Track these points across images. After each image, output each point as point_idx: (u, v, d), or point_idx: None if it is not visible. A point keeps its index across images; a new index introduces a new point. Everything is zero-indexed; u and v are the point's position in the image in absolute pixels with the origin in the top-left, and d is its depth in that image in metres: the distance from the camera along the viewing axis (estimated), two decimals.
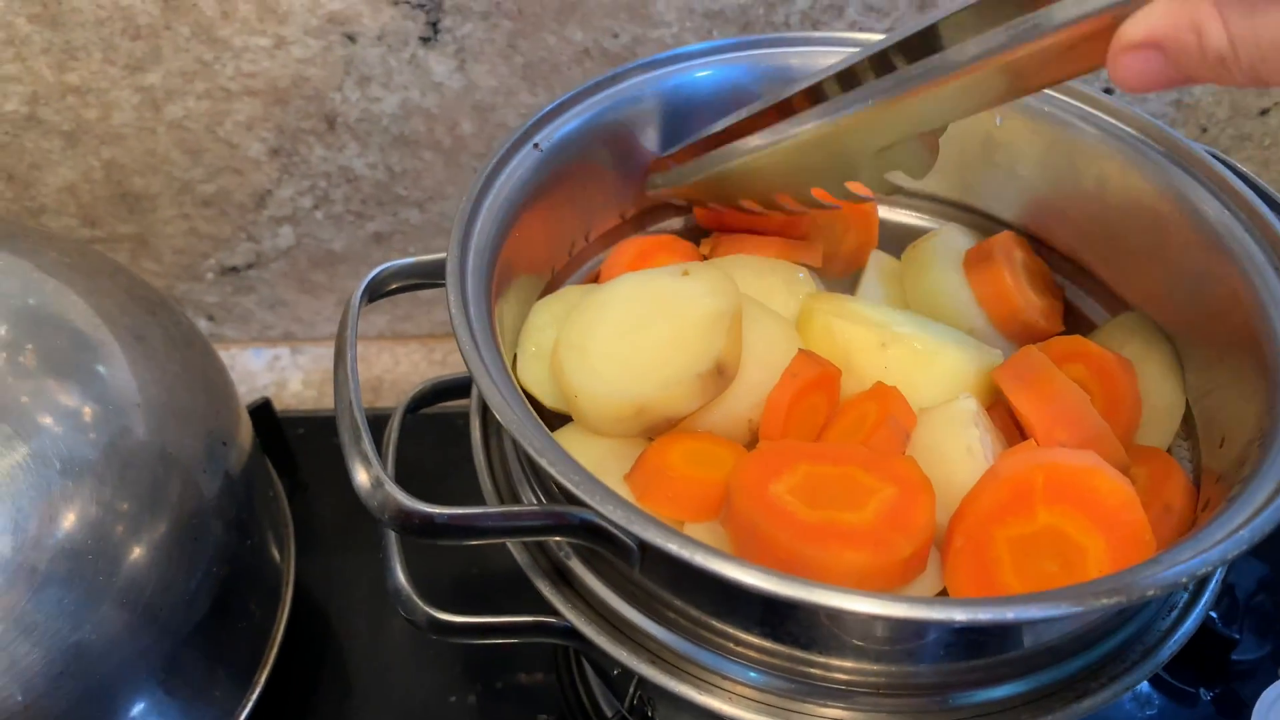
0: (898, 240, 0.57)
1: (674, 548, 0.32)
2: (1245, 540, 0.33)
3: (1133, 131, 0.50)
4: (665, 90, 0.52)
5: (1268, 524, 0.33)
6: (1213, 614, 0.63)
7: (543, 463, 0.34)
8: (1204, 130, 0.76)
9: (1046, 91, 0.52)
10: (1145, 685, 0.63)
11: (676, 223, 0.58)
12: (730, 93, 0.53)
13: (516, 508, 0.36)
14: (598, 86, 0.51)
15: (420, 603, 0.43)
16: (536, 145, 0.48)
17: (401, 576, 0.44)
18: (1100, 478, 0.38)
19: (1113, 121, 0.51)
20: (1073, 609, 0.31)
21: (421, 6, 0.66)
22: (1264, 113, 0.75)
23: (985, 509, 0.39)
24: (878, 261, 0.56)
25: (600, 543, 0.35)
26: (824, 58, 0.53)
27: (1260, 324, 0.43)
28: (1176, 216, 0.48)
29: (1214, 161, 0.48)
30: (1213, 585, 0.42)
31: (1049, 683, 0.39)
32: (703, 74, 0.53)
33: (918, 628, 0.35)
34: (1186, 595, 0.42)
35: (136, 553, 0.46)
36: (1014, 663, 0.39)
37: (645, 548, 0.35)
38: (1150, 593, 0.31)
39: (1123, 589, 0.31)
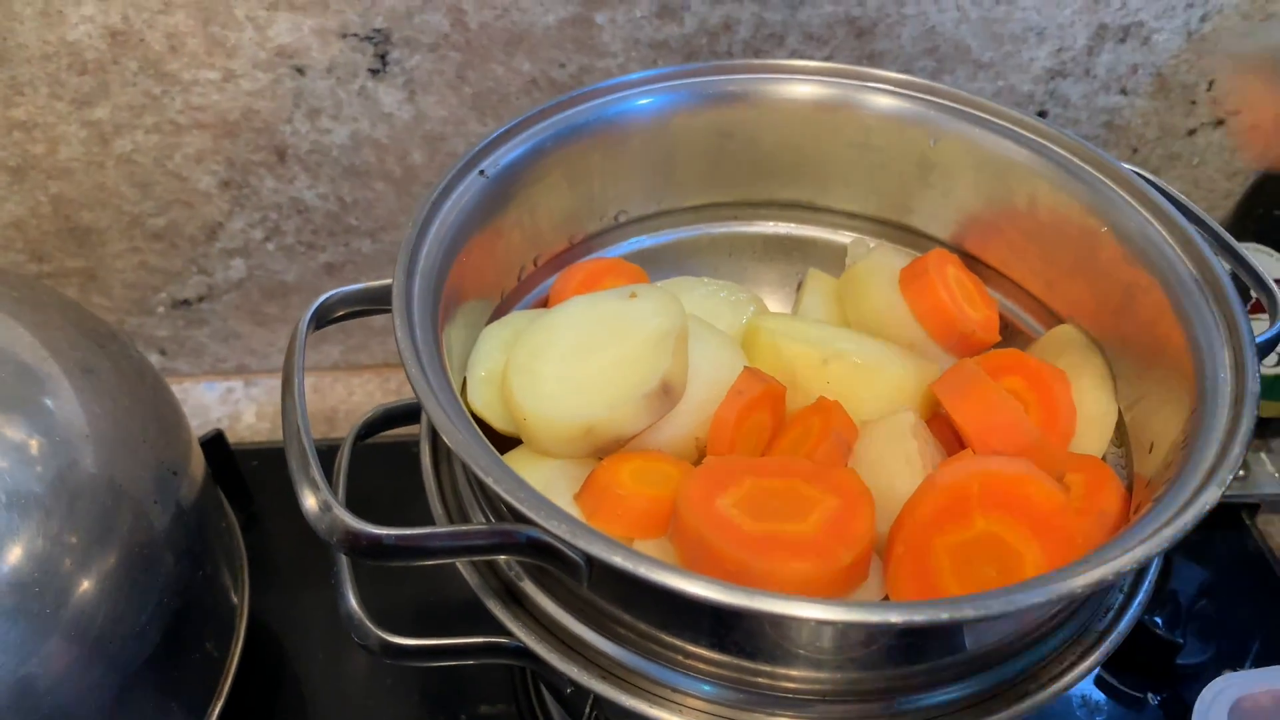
0: (835, 259, 0.58)
1: (619, 560, 0.33)
2: (1167, 539, 0.34)
3: (1062, 151, 0.52)
4: (609, 117, 0.53)
5: (1188, 523, 0.34)
6: (1157, 619, 0.64)
7: (489, 481, 0.35)
8: (1135, 151, 0.78)
9: (979, 113, 0.53)
10: (1095, 691, 0.64)
11: (624, 247, 0.59)
12: (672, 118, 0.54)
13: (464, 527, 0.36)
14: (542, 114, 0.52)
15: (372, 627, 0.43)
16: (482, 172, 0.49)
17: (353, 601, 0.44)
18: (1033, 484, 0.39)
19: (1043, 142, 0.52)
20: (1004, 608, 0.32)
21: (369, 39, 0.67)
22: (1191, 133, 0.77)
23: (924, 517, 0.40)
24: (816, 281, 0.58)
25: (548, 559, 0.36)
26: (763, 84, 0.54)
27: (1183, 333, 0.44)
28: (1104, 232, 0.50)
29: (1138, 179, 0.50)
30: (1145, 587, 0.43)
31: (992, 685, 0.40)
32: (644, 101, 0.54)
33: (859, 632, 0.36)
34: (1121, 597, 0.43)
35: (85, 585, 0.46)
36: (958, 666, 0.39)
37: (592, 562, 0.35)
38: (1078, 590, 0.32)
39: (1051, 588, 0.32)
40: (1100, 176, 0.50)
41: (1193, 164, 0.80)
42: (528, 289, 0.55)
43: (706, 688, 0.39)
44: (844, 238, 0.60)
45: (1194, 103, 0.75)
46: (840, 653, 0.38)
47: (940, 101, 0.54)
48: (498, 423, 0.48)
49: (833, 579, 0.38)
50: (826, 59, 0.70)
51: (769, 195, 0.60)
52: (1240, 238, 0.74)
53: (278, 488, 0.75)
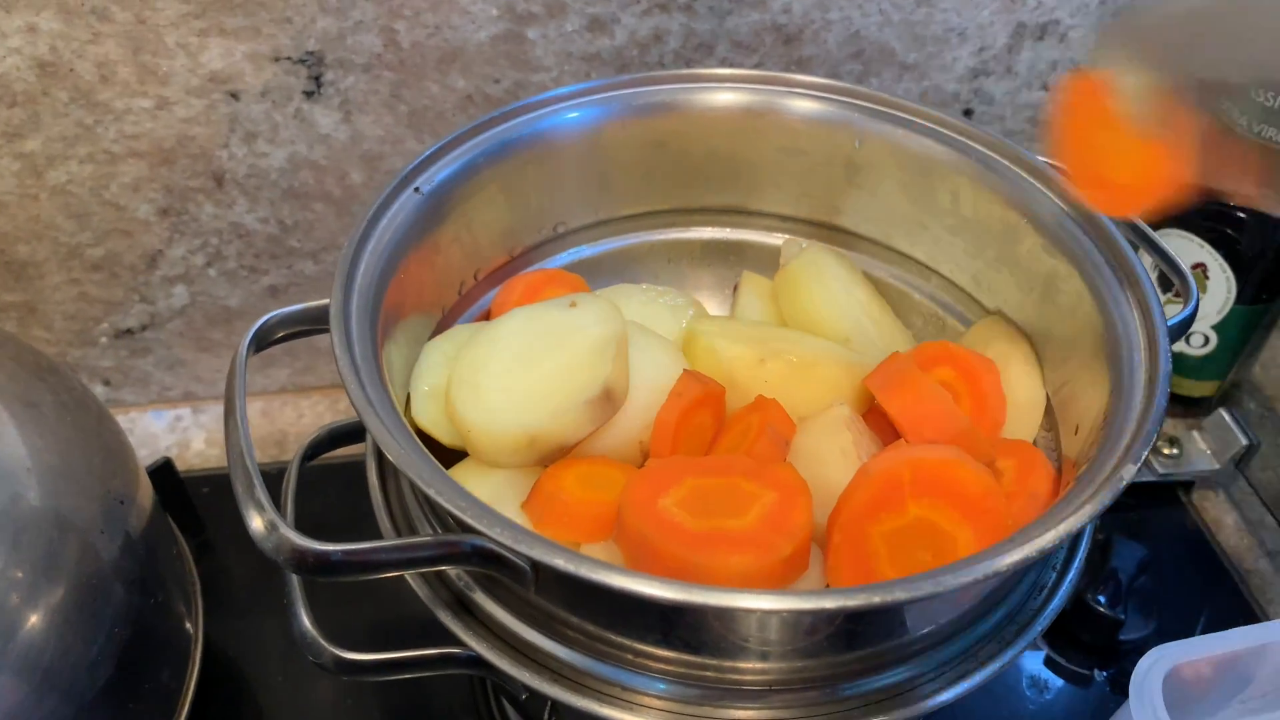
0: (770, 261, 0.60)
1: (560, 563, 0.34)
2: (1086, 515, 0.35)
3: (980, 148, 0.54)
4: (541, 131, 0.54)
5: (1106, 499, 0.36)
6: (1100, 597, 0.66)
7: (431, 492, 0.35)
8: None
9: (900, 114, 0.55)
10: (1043, 670, 0.66)
11: (564, 258, 0.60)
12: (603, 130, 0.56)
13: (410, 540, 0.37)
14: (475, 130, 0.53)
15: (326, 644, 0.43)
16: (417, 189, 0.50)
17: (306, 621, 0.44)
18: (962, 469, 0.41)
19: (962, 139, 0.54)
20: (933, 589, 0.33)
21: (303, 62, 0.67)
22: None
23: (859, 506, 0.41)
24: (751, 283, 0.59)
25: (494, 567, 0.36)
26: (689, 94, 0.56)
27: (1100, 316, 0.46)
28: (1023, 224, 0.51)
29: (1055, 172, 0.51)
30: (1077, 564, 0.45)
31: (934, 666, 0.41)
32: (574, 114, 0.55)
33: (799, 620, 0.37)
34: (1055, 575, 0.45)
35: (33, 619, 0.46)
36: (901, 648, 0.41)
37: (536, 567, 0.36)
38: (1002, 569, 0.34)
39: (975, 569, 0.33)
40: (1018, 171, 0.52)
41: None
42: (469, 303, 0.56)
43: (660, 685, 0.40)
44: (777, 240, 0.61)
45: None
46: (784, 642, 0.39)
47: (862, 104, 0.56)
48: (444, 437, 0.49)
49: (773, 571, 0.39)
50: (756, 66, 0.72)
51: (704, 201, 0.61)
52: (1163, 224, 0.77)
53: (230, 513, 0.74)
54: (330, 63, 0.67)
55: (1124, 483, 0.37)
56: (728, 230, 0.63)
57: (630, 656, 0.40)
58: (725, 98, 0.56)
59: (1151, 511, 0.76)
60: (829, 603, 0.33)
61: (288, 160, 0.71)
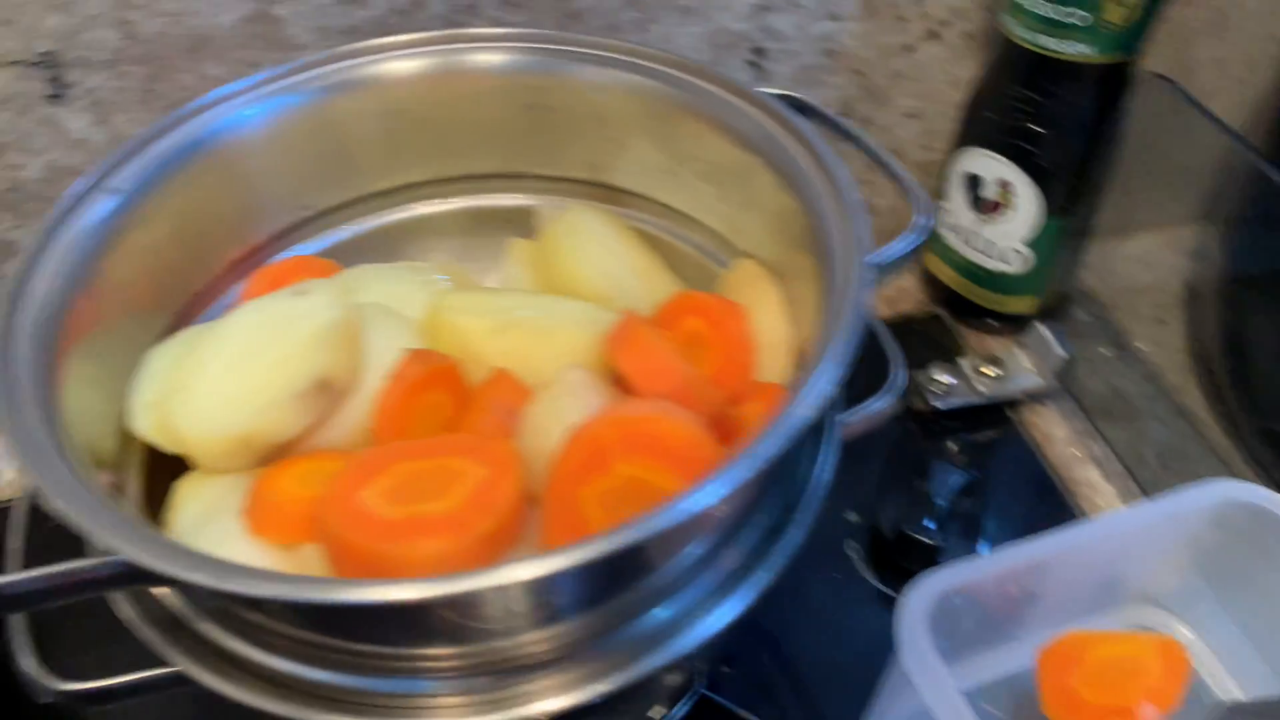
0: (535, 224, 0.58)
1: (200, 577, 0.32)
2: (756, 460, 0.34)
3: (715, 89, 0.52)
4: (253, 116, 0.52)
5: (776, 444, 0.34)
6: (927, 523, 0.66)
7: (55, 510, 0.33)
8: (860, 74, 0.80)
9: (629, 59, 0.53)
10: (872, 602, 0.65)
11: (321, 242, 0.58)
12: (330, 104, 0.53)
13: (61, 566, 0.34)
14: (180, 120, 0.50)
15: (44, 682, 0.41)
16: (112, 190, 0.47)
17: (25, 659, 0.42)
18: (665, 423, 0.40)
19: (697, 81, 0.52)
20: (595, 552, 0.32)
21: (38, 64, 0.63)
22: (908, 49, 0.79)
23: (568, 471, 0.40)
24: (518, 250, 0.57)
25: (155, 584, 0.35)
26: (372, 66, 0.54)
27: (821, 250, 0.45)
28: (757, 163, 0.50)
29: (782, 106, 0.50)
30: (814, 507, 0.43)
31: (690, 603, 0.40)
32: (261, 103, 0.52)
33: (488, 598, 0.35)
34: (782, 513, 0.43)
35: None
36: (660, 589, 0.39)
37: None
38: (663, 526, 0.32)
39: (631, 531, 0.32)
40: (750, 109, 0.50)
41: (919, 79, 0.81)
42: (212, 298, 0.53)
43: (427, 683, 0.38)
44: (543, 203, 0.59)
45: (903, 19, 0.77)
46: (522, 612, 0.37)
47: (588, 51, 0.53)
48: (170, 446, 0.46)
49: (473, 550, 0.37)
50: (527, 24, 0.69)
51: (464, 169, 0.59)
52: (965, 144, 0.76)
53: (40, 541, 0.73)
54: (69, 62, 0.64)
55: (799, 420, 0.35)
56: (496, 197, 0.61)
57: (398, 663, 0.38)
58: (407, 65, 0.54)
59: (981, 433, 0.76)
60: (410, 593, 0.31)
61: (46, 169, 0.68)
